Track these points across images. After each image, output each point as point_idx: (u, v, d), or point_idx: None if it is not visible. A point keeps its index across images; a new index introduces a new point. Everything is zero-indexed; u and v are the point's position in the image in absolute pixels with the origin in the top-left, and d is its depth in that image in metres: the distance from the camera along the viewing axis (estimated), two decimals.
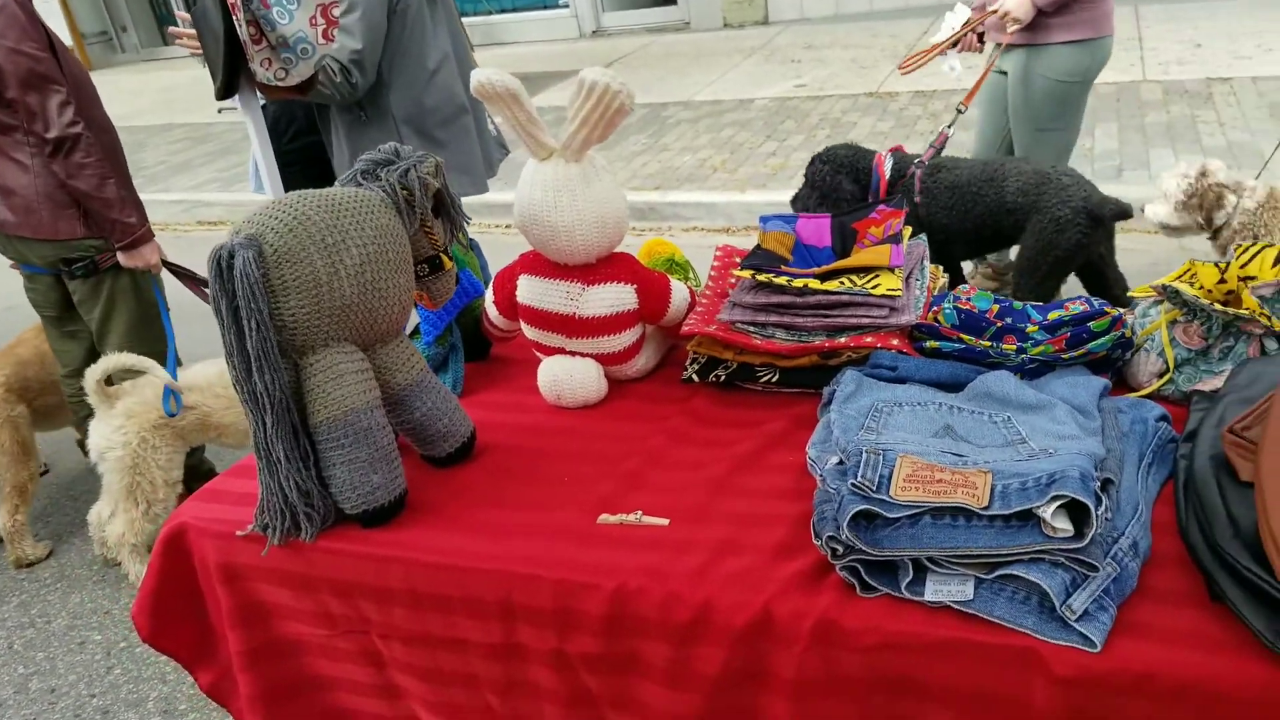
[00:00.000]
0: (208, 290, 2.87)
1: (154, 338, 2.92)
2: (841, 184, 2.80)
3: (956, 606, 1.11)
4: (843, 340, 1.55)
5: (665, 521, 1.35)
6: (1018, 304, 1.59)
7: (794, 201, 3.06)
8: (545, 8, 11.35)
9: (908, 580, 1.13)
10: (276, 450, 1.34)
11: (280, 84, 2.58)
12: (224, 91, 2.64)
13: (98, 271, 2.84)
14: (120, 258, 2.79)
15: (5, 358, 3.13)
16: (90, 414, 2.78)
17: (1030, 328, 1.52)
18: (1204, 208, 2.94)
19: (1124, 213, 2.65)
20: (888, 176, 2.76)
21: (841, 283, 1.58)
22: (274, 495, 1.38)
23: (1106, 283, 2.91)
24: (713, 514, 1.35)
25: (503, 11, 10.64)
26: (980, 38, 3.38)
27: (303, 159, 3.19)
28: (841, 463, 1.24)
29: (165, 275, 2.93)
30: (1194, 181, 3.03)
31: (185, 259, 2.98)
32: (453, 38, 3.05)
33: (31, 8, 2.60)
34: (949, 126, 3.05)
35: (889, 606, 1.14)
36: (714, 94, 7.60)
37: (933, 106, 6.38)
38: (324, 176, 3.17)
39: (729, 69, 8.37)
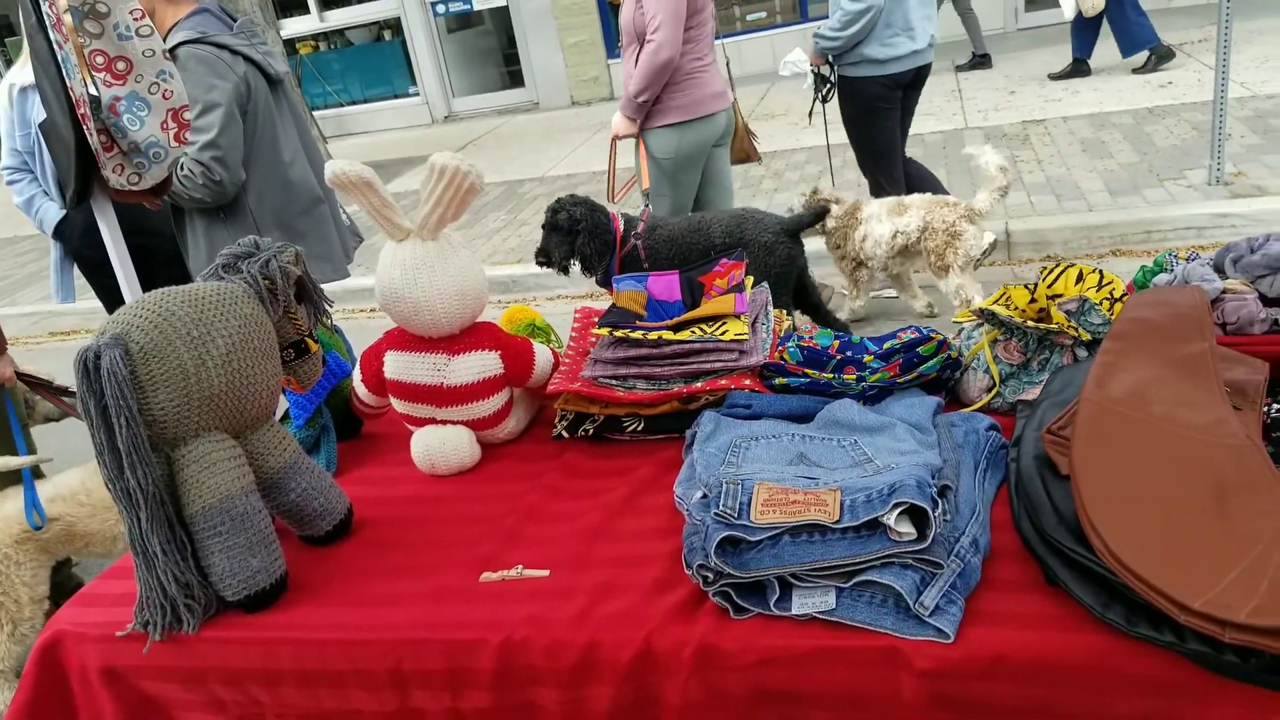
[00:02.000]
0: (64, 398, 2.76)
1: (8, 452, 2.79)
2: (600, 221, 3.19)
3: (822, 616, 1.20)
4: (699, 385, 1.64)
5: (546, 573, 1.39)
6: (855, 338, 1.73)
7: (539, 254, 3.34)
8: (396, 96, 11.46)
9: (775, 598, 1.21)
10: (152, 544, 1.34)
11: (134, 188, 2.55)
12: (77, 199, 2.59)
13: None
14: None
15: None
16: None
17: (867, 358, 1.65)
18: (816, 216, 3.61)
19: (819, 216, 3.16)
20: (620, 234, 3.21)
21: (693, 332, 1.68)
22: (153, 590, 1.36)
23: (806, 288, 3.40)
24: (591, 560, 1.41)
25: (353, 103, 10.66)
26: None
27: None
28: (705, 496, 1.32)
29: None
30: (809, 197, 4.15)
31: (40, 371, 2.88)
32: (300, 131, 3.09)
33: None
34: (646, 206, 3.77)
35: (761, 625, 1.22)
36: (567, 168, 7.81)
37: (775, 165, 6.74)
38: (150, 277, 3.08)
39: (579, 144, 8.62)
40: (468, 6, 10.88)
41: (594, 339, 1.83)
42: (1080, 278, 1.64)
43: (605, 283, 3.23)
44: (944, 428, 1.45)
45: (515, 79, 11.27)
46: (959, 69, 8.65)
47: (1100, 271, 1.65)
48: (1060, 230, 4.90)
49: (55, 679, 1.48)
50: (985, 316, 1.64)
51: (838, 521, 1.19)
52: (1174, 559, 1.06)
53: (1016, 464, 1.36)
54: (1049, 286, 1.65)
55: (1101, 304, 1.58)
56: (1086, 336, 1.55)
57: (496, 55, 11.68)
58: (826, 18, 4.36)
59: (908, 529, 1.17)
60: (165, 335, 1.33)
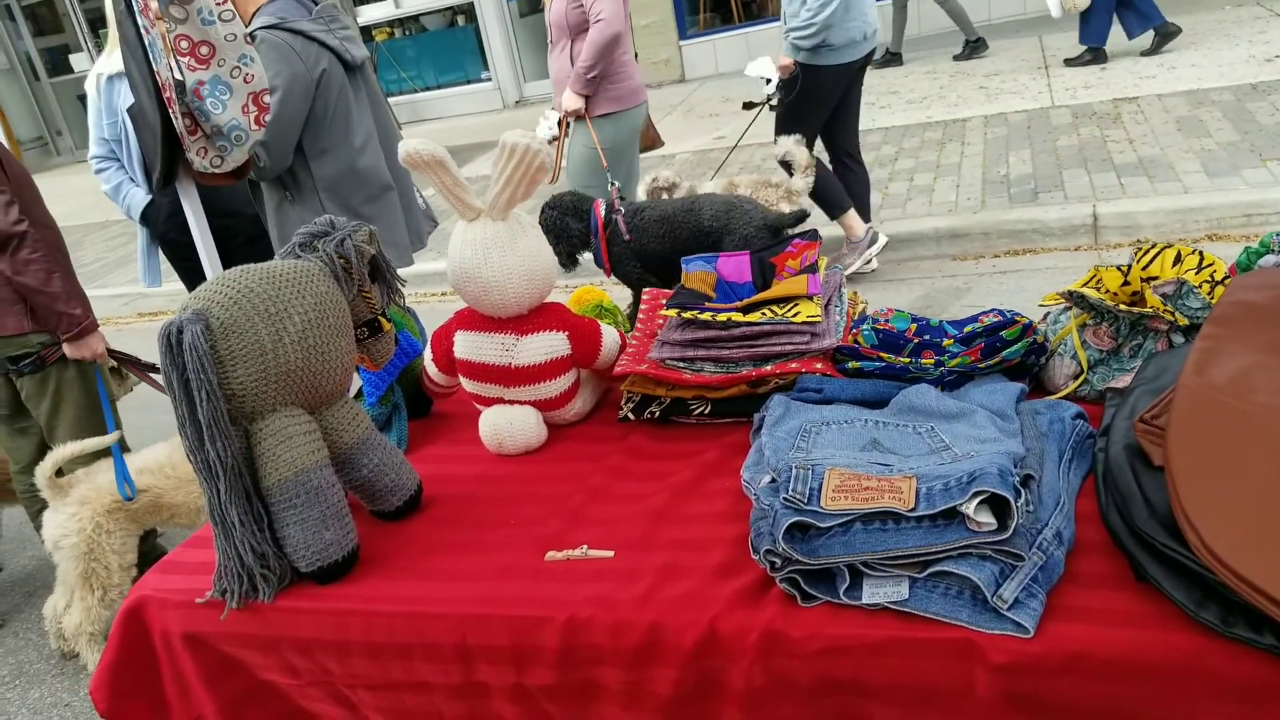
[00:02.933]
0: (152, 374, 2.87)
1: (100, 427, 2.91)
2: (569, 225, 3.21)
3: (893, 607, 1.16)
4: (769, 368, 1.61)
5: (610, 553, 1.38)
6: (934, 321, 1.67)
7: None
8: (469, 81, 11.55)
9: (845, 586, 1.18)
10: (231, 515, 1.37)
11: (216, 170, 2.62)
12: (163, 182, 2.67)
13: (44, 366, 2.84)
14: (66, 349, 2.80)
15: None
16: (44, 507, 2.76)
17: (946, 341, 1.59)
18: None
19: (798, 219, 3.15)
20: (602, 218, 3.22)
21: (763, 314, 1.64)
22: (231, 560, 1.40)
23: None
24: (655, 542, 1.39)
25: (427, 89, 10.80)
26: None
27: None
28: (774, 481, 1.29)
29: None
30: (650, 184, 4.10)
31: (128, 351, 3.00)
32: (377, 117, 3.12)
33: None
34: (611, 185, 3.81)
35: (829, 613, 1.19)
36: None
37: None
38: (230, 257, 3.17)
39: None
40: None
41: (661, 320, 1.81)
42: (1178, 259, 1.56)
43: (603, 267, 3.24)
44: (1027, 415, 1.39)
45: None
46: (956, 59, 8.52)
47: (1200, 253, 1.56)
48: (1153, 213, 4.70)
49: (140, 641, 1.53)
50: (1074, 300, 1.57)
51: (913, 509, 1.15)
52: (1277, 557, 0.99)
53: (1105, 454, 1.30)
54: (1144, 268, 1.57)
55: (1201, 287, 1.50)
56: (1184, 321, 1.47)
57: None
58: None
59: (988, 519, 1.12)
60: (244, 311, 1.36)
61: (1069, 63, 7.54)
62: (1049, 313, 1.68)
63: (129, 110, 2.69)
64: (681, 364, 1.66)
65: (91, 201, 10.21)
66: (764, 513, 1.24)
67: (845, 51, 4.40)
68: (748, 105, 5.10)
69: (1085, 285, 1.59)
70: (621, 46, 4.22)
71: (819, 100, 4.57)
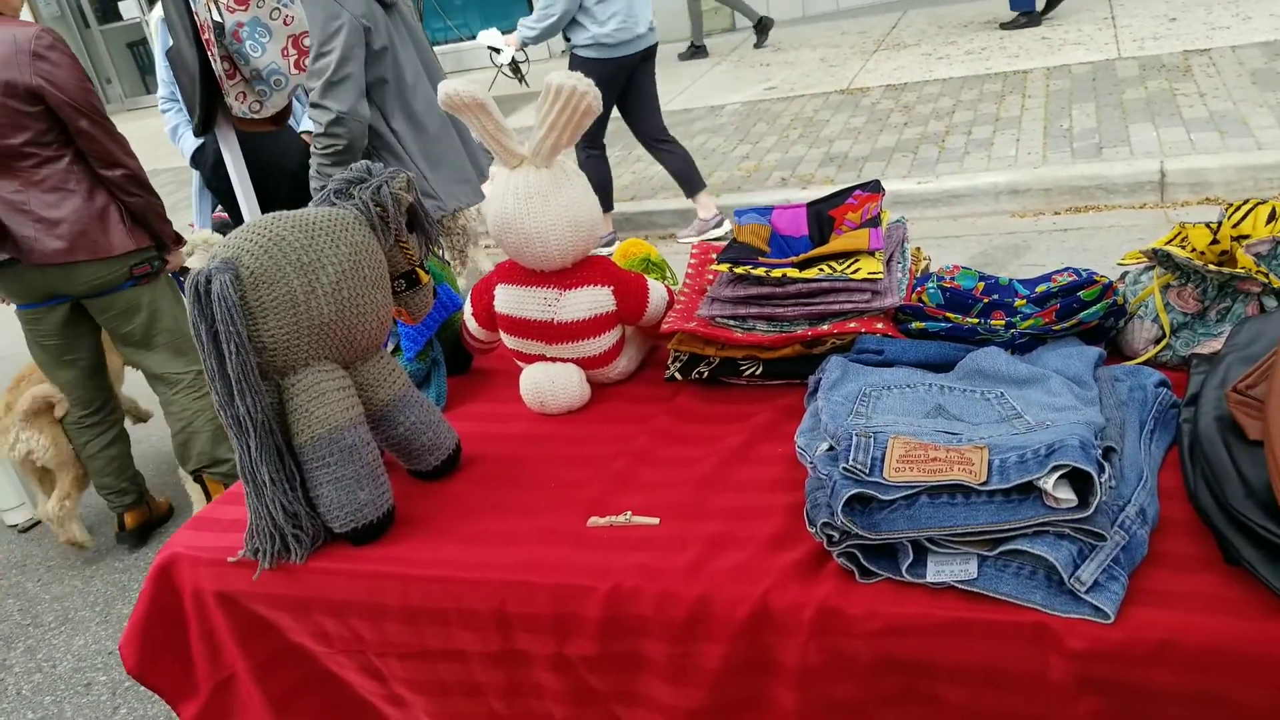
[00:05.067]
0: None
1: (186, 332, 3.13)
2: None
3: (961, 586, 1.08)
4: (826, 327, 1.52)
5: (656, 520, 1.31)
6: (1003, 279, 1.56)
7: None
8: (515, 30, 11.39)
9: (908, 563, 1.10)
10: (262, 473, 1.32)
11: (255, 115, 2.57)
12: (202, 127, 2.64)
13: (156, 274, 3.08)
14: (170, 259, 3.12)
15: (29, 382, 3.27)
16: (90, 440, 3.21)
17: (1018, 302, 1.49)
18: None
19: None
20: None
21: (821, 270, 1.55)
22: (262, 519, 1.35)
23: None
24: (704, 510, 1.32)
25: (472, 38, 10.62)
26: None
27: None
28: (832, 449, 1.21)
29: None
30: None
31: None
32: (421, 55, 3.08)
33: None
34: None
35: (890, 590, 1.11)
36: (684, 102, 7.61)
37: (905, 99, 6.40)
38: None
39: (698, 77, 8.39)
40: None
41: (711, 275, 1.72)
42: (1273, 216, 1.43)
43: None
44: (1106, 382, 1.29)
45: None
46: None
47: None
48: (1223, 170, 4.48)
49: (170, 599, 1.50)
50: (1158, 258, 1.45)
51: (984, 483, 1.06)
52: None
53: (1193, 425, 1.20)
54: (1234, 226, 1.44)
55: None
56: (1278, 283, 1.35)
57: None
58: None
59: (1067, 495, 1.03)
60: (275, 261, 1.29)
61: (1004, 26, 7.65)
62: (1128, 272, 1.57)
63: (167, 53, 2.67)
64: (732, 322, 1.57)
65: (139, 148, 10.29)
66: (821, 483, 1.16)
67: (617, 49, 4.79)
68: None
69: (1170, 243, 1.48)
70: None
71: (617, 91, 4.96)
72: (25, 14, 2.95)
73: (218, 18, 2.37)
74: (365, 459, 1.37)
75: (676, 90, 8.02)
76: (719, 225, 5.18)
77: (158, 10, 3.48)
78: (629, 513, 1.33)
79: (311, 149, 3.07)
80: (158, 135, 11.11)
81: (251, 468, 1.32)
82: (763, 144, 6.18)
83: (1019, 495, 1.06)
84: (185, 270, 3.19)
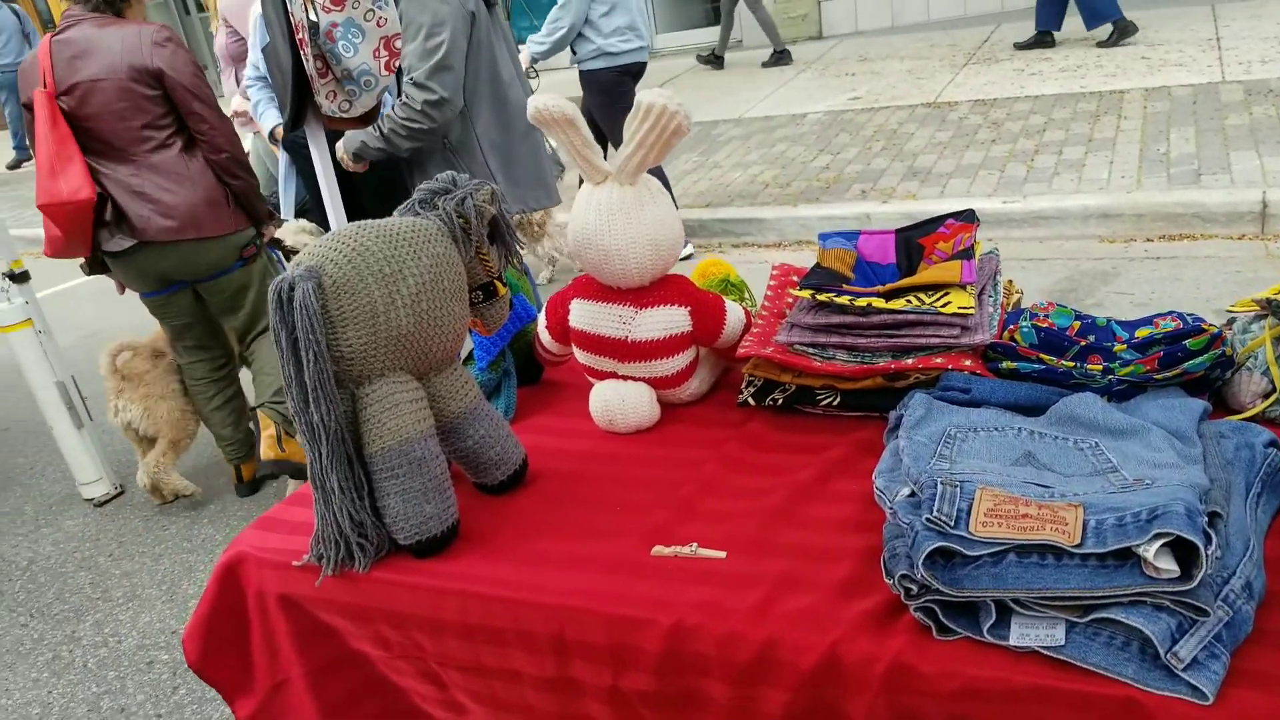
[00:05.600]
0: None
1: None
2: None
3: (1045, 652, 1.02)
4: (910, 362, 1.46)
5: (722, 554, 1.27)
6: (1101, 320, 1.49)
7: None
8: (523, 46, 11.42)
9: (990, 623, 1.04)
10: (331, 481, 1.32)
11: (344, 115, 2.61)
12: (292, 124, 2.68)
13: (255, 258, 3.29)
14: (267, 232, 3.33)
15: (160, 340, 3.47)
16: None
17: (1117, 346, 1.42)
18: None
19: None
20: None
21: (908, 301, 1.49)
22: (329, 526, 1.36)
23: None
24: (772, 546, 1.28)
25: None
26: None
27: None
28: (913, 494, 1.16)
29: None
30: None
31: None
32: (510, 56, 3.09)
33: None
34: None
35: (969, 650, 1.05)
36: (765, 110, 7.53)
37: (994, 115, 6.23)
38: (359, 210, 3.43)
39: (781, 85, 8.30)
40: None
41: (791, 300, 1.68)
42: None
43: None
44: (1211, 439, 1.21)
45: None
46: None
47: None
48: None
49: (234, 597, 1.51)
50: (1271, 308, 1.36)
51: (1079, 545, 1.00)
52: None
53: None
54: None
55: None
56: None
57: None
58: None
59: (1169, 564, 0.97)
60: (358, 270, 1.30)
61: (1018, 46, 7.62)
62: (1235, 319, 1.48)
63: (263, 49, 2.73)
64: (811, 350, 1.53)
65: None
66: (900, 531, 1.11)
67: (621, 58, 4.98)
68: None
69: None
70: None
71: (614, 96, 5.04)
72: None
73: (313, 17, 2.40)
74: (433, 472, 1.37)
75: (759, 97, 7.95)
76: None
77: (256, 7, 3.57)
78: (695, 545, 1.29)
79: (390, 115, 3.06)
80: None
81: (322, 475, 1.33)
82: (844, 155, 6.08)
83: (1115, 561, 1.00)
84: (276, 241, 3.45)
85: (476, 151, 3.06)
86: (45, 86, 2.91)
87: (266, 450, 3.52)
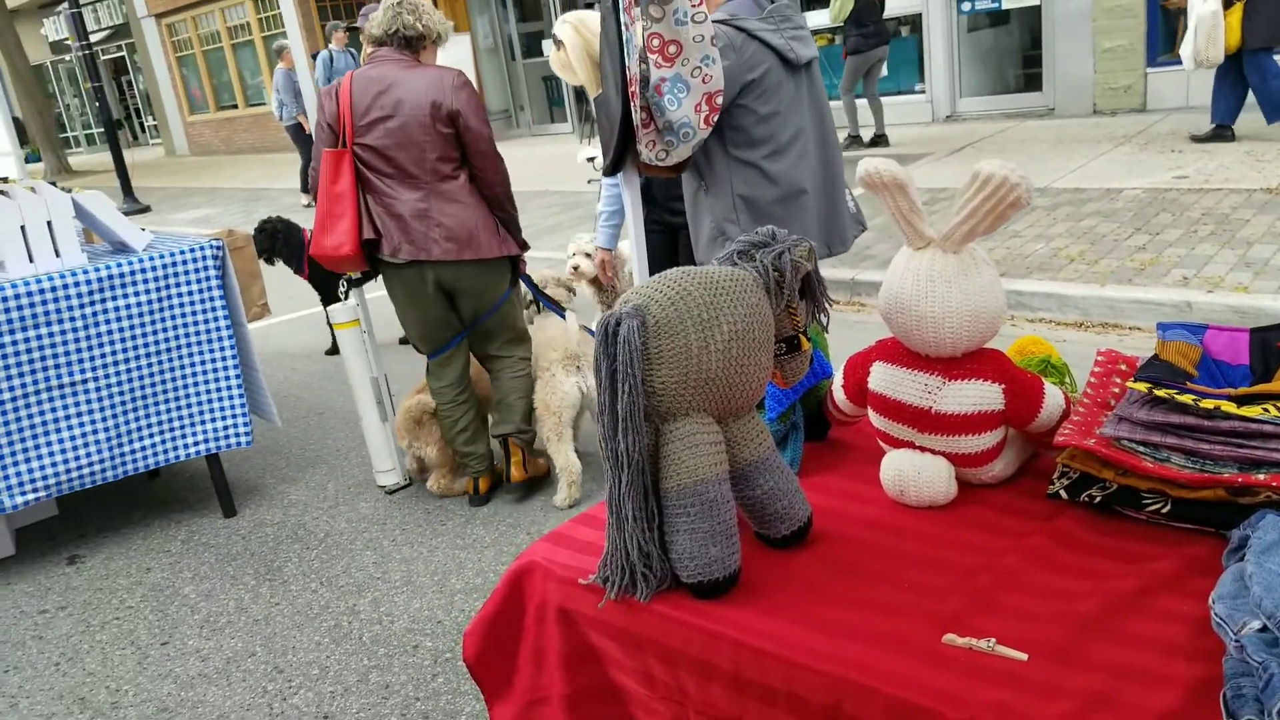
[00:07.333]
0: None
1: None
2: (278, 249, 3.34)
3: None
4: (1262, 477, 1.30)
5: (1024, 656, 1.18)
6: None
7: None
8: (900, 93, 11.28)
9: None
10: (626, 508, 1.38)
11: (660, 164, 2.74)
12: (612, 169, 2.86)
13: (515, 282, 3.76)
14: (521, 264, 3.81)
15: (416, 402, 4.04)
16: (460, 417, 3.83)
17: None
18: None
19: None
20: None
21: (1265, 410, 1.33)
22: (618, 551, 1.41)
23: None
24: (1081, 657, 1.17)
25: (859, 96, 10.69)
26: None
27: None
28: (1265, 629, 1.02)
29: None
30: None
31: None
32: (815, 118, 3.06)
33: None
34: None
35: None
36: (1075, 181, 7.07)
37: None
38: (673, 254, 3.71)
39: (1095, 156, 7.77)
40: (996, 5, 10.32)
41: (1118, 390, 1.55)
42: None
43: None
44: None
45: (1031, 82, 10.49)
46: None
47: None
48: None
49: (517, 603, 1.60)
50: None
51: None
52: None
53: None
54: None
55: None
56: None
57: (1015, 56, 10.96)
58: None
59: None
60: (679, 313, 1.36)
61: (1195, 139, 7.50)
62: None
63: (595, 99, 2.92)
64: (1142, 449, 1.40)
65: (535, 172, 11.45)
66: (1249, 669, 0.98)
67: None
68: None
69: None
70: None
71: None
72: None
73: (645, 71, 2.55)
74: (722, 515, 1.39)
75: (1069, 168, 7.49)
76: None
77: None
78: (993, 640, 1.21)
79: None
80: (555, 158, 12.38)
81: (619, 501, 1.39)
82: (1164, 236, 5.57)
83: None
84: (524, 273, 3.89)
85: (728, 201, 3.05)
86: (341, 117, 3.42)
87: (516, 473, 3.81)
